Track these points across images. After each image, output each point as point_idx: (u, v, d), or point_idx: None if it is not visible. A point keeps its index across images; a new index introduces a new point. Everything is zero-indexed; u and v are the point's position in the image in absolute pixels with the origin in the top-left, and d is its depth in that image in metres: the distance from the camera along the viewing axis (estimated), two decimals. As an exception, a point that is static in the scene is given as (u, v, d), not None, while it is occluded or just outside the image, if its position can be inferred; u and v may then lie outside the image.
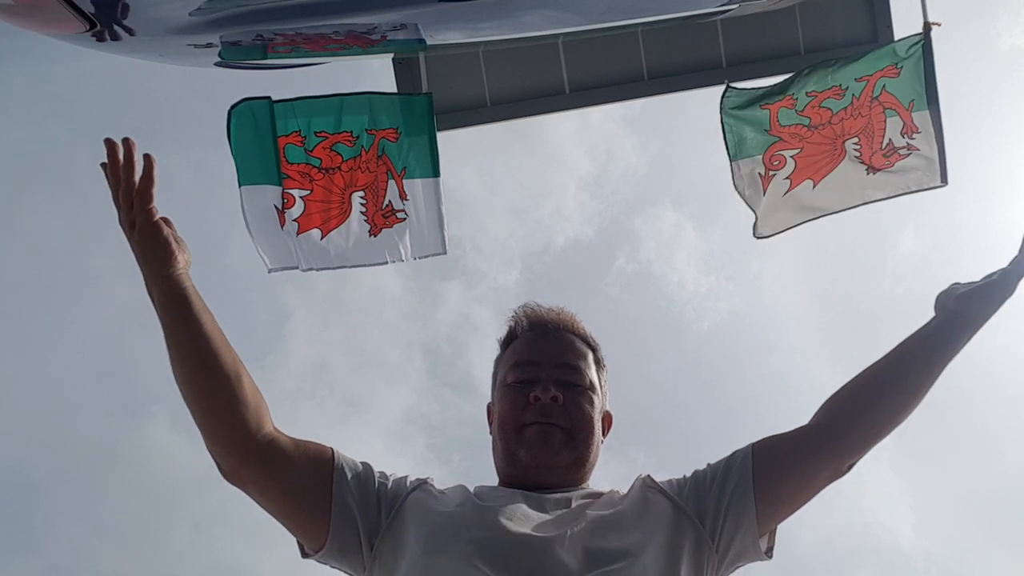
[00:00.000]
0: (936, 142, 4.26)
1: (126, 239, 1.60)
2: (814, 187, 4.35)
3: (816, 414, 1.66)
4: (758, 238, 4.38)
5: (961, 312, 1.67)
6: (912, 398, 1.64)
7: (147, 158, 1.58)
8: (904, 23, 4.39)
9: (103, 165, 1.60)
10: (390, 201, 4.19)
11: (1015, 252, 1.71)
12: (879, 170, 4.31)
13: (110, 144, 1.58)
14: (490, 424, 1.77)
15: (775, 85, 4.31)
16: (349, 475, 1.58)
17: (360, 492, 1.57)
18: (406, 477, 1.65)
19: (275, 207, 4.04)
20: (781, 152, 4.32)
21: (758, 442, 1.64)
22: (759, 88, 4.33)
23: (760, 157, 4.31)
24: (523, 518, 1.51)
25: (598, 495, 1.64)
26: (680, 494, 1.60)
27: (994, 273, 1.72)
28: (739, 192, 4.34)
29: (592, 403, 1.70)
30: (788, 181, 4.33)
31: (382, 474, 1.63)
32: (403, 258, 4.22)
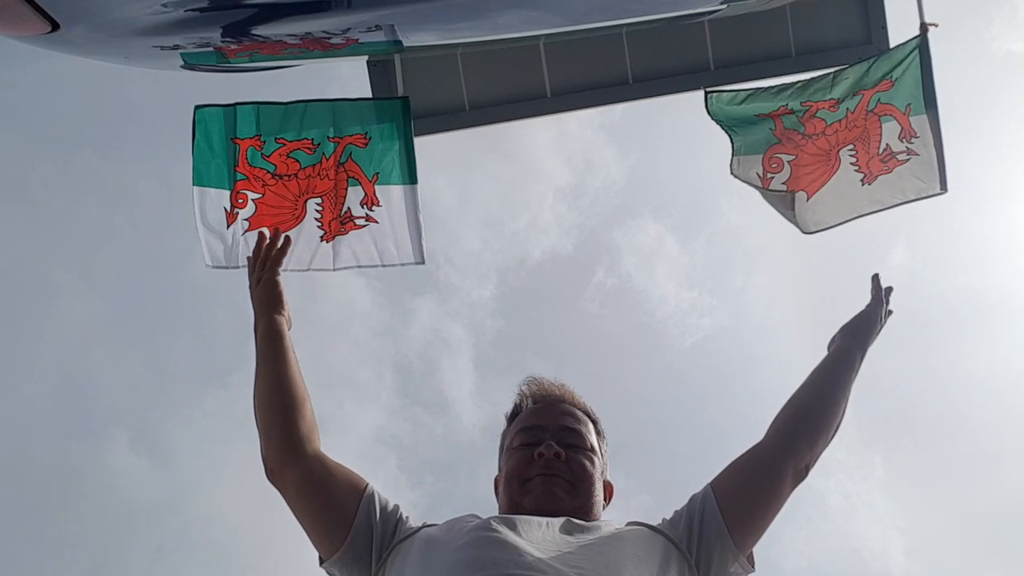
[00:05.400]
0: (935, 147, 4.15)
1: (249, 292, 2.31)
2: (808, 200, 4.23)
3: (765, 434, 1.95)
4: (807, 234, 4.26)
5: (850, 342, 2.23)
6: (834, 408, 2.03)
7: (286, 239, 2.39)
8: (899, 24, 4.31)
9: (248, 257, 2.40)
10: (349, 208, 4.15)
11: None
12: (877, 176, 4.20)
13: (262, 235, 2.41)
14: (496, 495, 1.97)
15: (762, 90, 4.16)
16: (377, 500, 1.85)
17: (382, 515, 1.83)
18: (426, 521, 1.85)
19: (224, 208, 4.06)
20: (779, 155, 4.21)
21: (714, 479, 1.87)
22: (741, 90, 4.19)
23: (760, 157, 4.19)
24: (515, 535, 1.63)
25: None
26: (659, 525, 1.78)
27: (862, 311, 2.34)
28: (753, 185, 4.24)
29: (593, 463, 1.90)
30: (784, 187, 4.21)
31: (407, 517, 1.86)
32: (360, 264, 4.16)
